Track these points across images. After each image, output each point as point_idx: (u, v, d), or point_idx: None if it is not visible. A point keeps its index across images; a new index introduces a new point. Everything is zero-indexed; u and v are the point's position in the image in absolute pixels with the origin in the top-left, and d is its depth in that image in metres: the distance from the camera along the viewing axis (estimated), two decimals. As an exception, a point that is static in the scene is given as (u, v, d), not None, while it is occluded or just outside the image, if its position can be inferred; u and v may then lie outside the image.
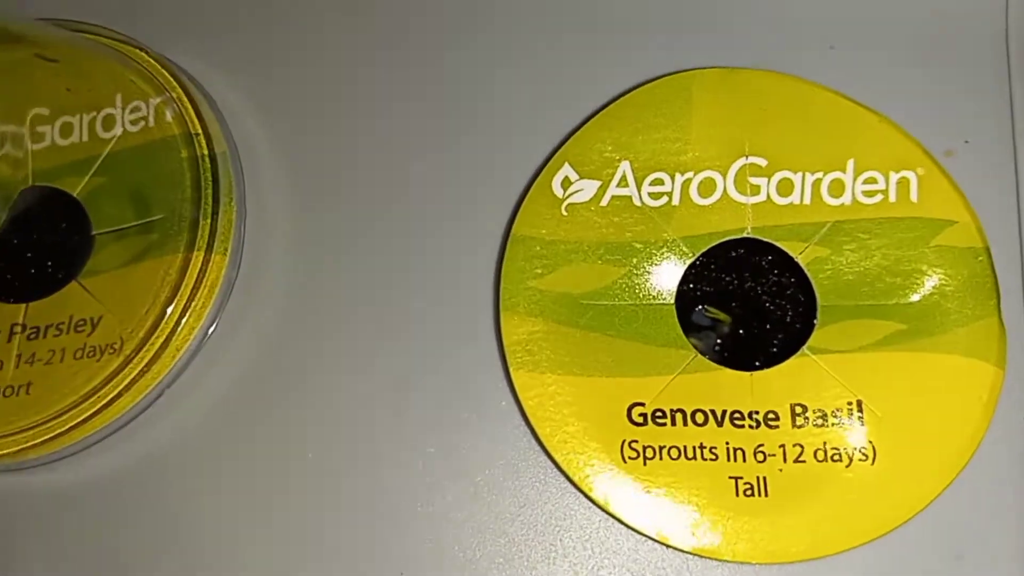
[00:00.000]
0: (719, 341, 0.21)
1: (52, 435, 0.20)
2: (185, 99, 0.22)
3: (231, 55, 0.23)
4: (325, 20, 0.23)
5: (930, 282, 0.20)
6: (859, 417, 0.19)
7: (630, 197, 0.21)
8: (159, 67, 0.22)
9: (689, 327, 0.21)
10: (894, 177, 0.20)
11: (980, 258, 0.20)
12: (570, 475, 0.19)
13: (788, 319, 0.20)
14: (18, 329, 0.21)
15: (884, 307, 0.20)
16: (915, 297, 0.20)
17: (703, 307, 0.21)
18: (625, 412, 0.19)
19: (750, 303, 0.21)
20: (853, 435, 0.19)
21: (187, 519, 0.20)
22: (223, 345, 0.21)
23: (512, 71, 0.22)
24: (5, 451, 0.20)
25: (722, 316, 0.21)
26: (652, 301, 0.20)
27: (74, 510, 0.20)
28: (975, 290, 0.20)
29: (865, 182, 0.20)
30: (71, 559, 0.20)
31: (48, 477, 0.21)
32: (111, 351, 0.20)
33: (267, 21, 0.23)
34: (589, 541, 0.19)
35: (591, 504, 0.19)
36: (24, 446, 0.20)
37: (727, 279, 0.21)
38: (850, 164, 0.20)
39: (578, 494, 0.19)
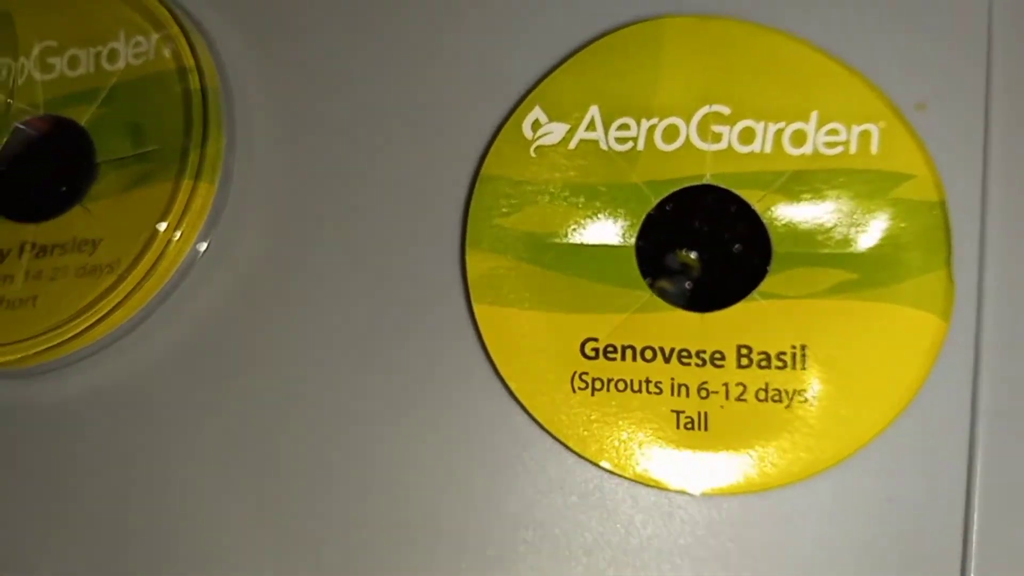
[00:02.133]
0: (688, 285, 0.22)
1: (54, 344, 0.21)
2: (181, 36, 0.23)
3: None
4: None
5: (884, 233, 0.20)
6: (802, 361, 0.20)
7: (597, 141, 0.21)
8: (157, 3, 0.23)
9: (660, 271, 0.21)
10: (856, 129, 0.21)
11: (935, 212, 0.20)
12: (523, 402, 0.20)
13: (747, 263, 0.21)
14: (28, 247, 0.23)
15: (837, 256, 0.20)
16: (868, 247, 0.20)
17: (674, 252, 0.22)
18: (579, 346, 0.20)
19: (712, 248, 0.22)
20: (795, 378, 0.20)
21: (175, 428, 0.22)
22: (210, 268, 0.22)
23: (487, 13, 0.23)
24: (11, 357, 0.22)
25: (691, 261, 0.22)
26: (613, 243, 0.21)
27: (74, 416, 0.22)
28: (927, 243, 0.20)
29: (828, 133, 0.21)
30: (69, 461, 0.22)
31: (50, 385, 0.22)
32: (108, 270, 0.22)
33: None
34: (538, 465, 0.20)
35: (541, 430, 0.20)
36: (27, 353, 0.21)
37: (690, 225, 0.22)
38: (814, 115, 0.21)
39: (530, 421, 0.20)
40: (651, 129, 0.21)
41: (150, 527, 0.21)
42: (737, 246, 0.21)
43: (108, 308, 0.22)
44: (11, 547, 0.22)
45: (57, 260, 0.22)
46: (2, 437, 0.22)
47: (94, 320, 0.22)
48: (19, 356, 0.21)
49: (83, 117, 0.23)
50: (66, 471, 0.22)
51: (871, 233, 0.20)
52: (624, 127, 0.21)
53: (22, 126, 0.24)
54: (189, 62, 0.22)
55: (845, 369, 0.20)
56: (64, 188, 0.23)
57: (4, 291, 0.22)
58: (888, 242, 0.20)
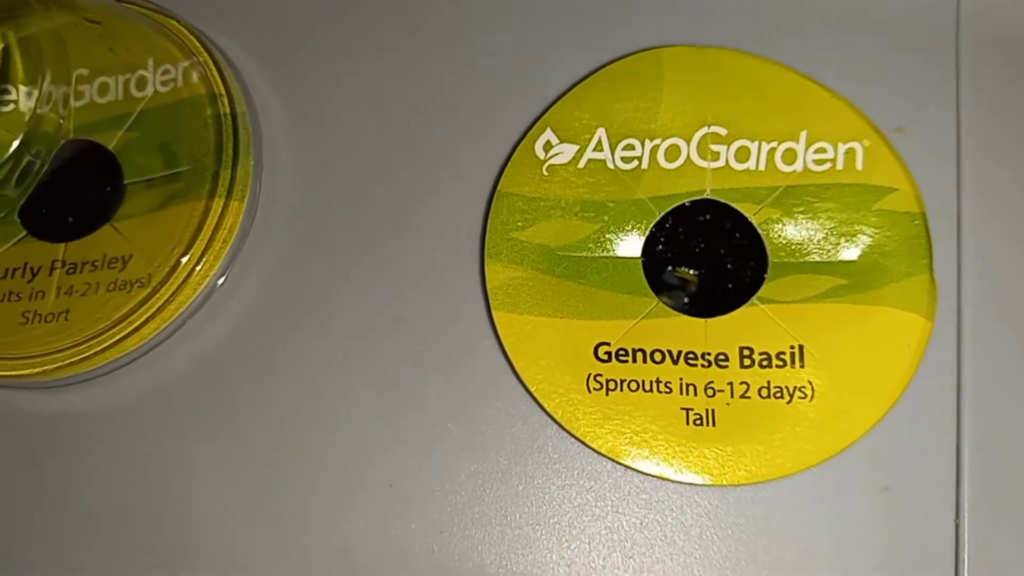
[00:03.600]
0: (687, 300, 0.23)
1: (86, 355, 0.22)
2: (211, 63, 0.24)
3: (251, 28, 0.25)
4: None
5: (870, 242, 0.22)
6: (800, 360, 0.21)
7: (604, 161, 0.23)
8: (189, 34, 0.24)
9: (660, 286, 0.23)
10: (842, 148, 0.22)
11: (916, 222, 0.22)
12: (542, 403, 0.21)
13: (743, 274, 0.23)
14: (58, 265, 0.24)
15: (828, 264, 0.22)
16: (856, 255, 0.22)
17: (672, 268, 0.23)
18: (592, 350, 0.22)
19: (711, 260, 0.23)
20: (794, 375, 0.21)
21: (201, 435, 0.23)
22: (239, 282, 0.23)
23: (503, 45, 0.24)
24: (44, 368, 0.22)
25: (689, 276, 0.24)
26: (621, 254, 0.23)
27: (104, 425, 0.23)
28: (911, 250, 0.22)
29: (816, 151, 0.22)
30: (99, 466, 0.23)
31: (82, 395, 0.23)
32: (139, 284, 0.23)
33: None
34: (556, 462, 0.22)
35: (560, 429, 0.22)
36: (61, 364, 0.22)
37: (691, 240, 0.23)
38: (803, 135, 0.23)
39: (548, 420, 0.22)
40: (654, 149, 0.23)
41: (170, 535, 0.22)
42: (729, 265, 0.23)
43: (140, 321, 0.22)
44: (34, 556, 0.23)
45: (88, 276, 0.23)
46: (31, 446, 0.23)
47: (126, 332, 0.22)
48: (53, 367, 0.22)
49: (111, 141, 0.24)
50: (91, 479, 0.23)
51: (859, 242, 0.22)
52: (629, 147, 0.23)
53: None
54: (219, 88, 0.24)
55: (840, 366, 0.21)
56: (91, 211, 0.24)
57: (36, 306, 0.23)
58: (874, 250, 0.22)
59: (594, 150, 0.23)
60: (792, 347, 0.21)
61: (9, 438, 0.23)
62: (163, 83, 0.24)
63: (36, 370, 0.22)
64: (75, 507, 0.22)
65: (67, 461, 0.23)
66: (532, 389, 0.22)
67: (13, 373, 0.23)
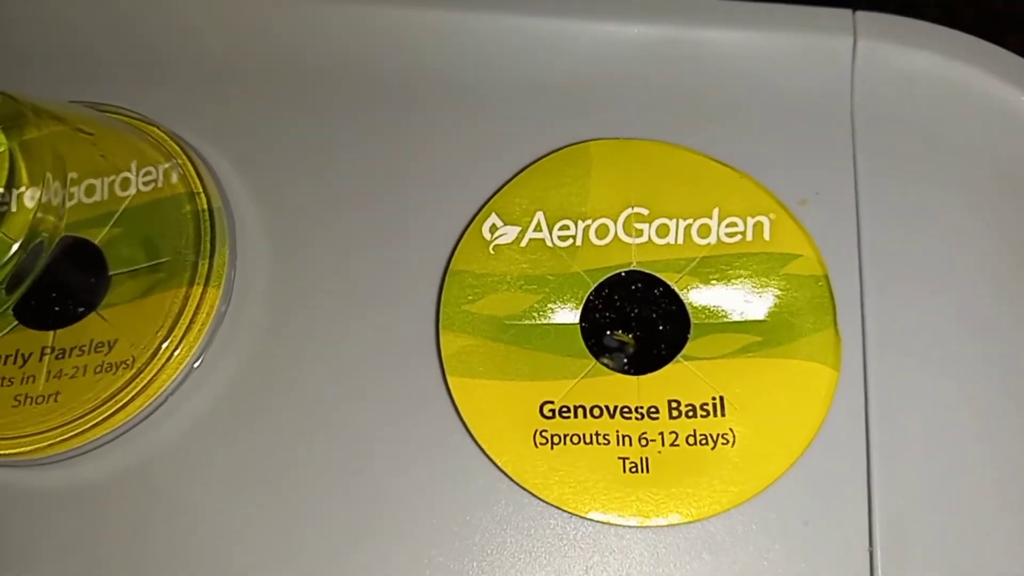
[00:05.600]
0: (626, 361, 0.26)
1: (75, 433, 0.24)
2: (189, 164, 0.27)
3: (224, 132, 0.28)
4: (294, 103, 0.28)
5: (779, 302, 0.25)
6: (721, 410, 0.24)
7: (543, 240, 0.26)
8: (168, 139, 0.27)
9: (602, 349, 0.26)
10: (751, 221, 0.26)
11: (820, 283, 0.25)
12: (493, 458, 0.24)
13: (672, 335, 0.25)
14: (48, 351, 0.26)
15: (742, 323, 0.25)
16: (768, 314, 0.25)
17: (611, 332, 0.26)
18: (538, 408, 0.24)
19: (644, 323, 0.26)
20: (717, 424, 0.24)
21: (184, 505, 0.25)
22: (215, 363, 0.26)
23: (452, 142, 0.27)
24: (36, 446, 0.24)
25: (627, 339, 0.26)
26: (561, 321, 0.25)
27: (91, 499, 0.25)
28: (816, 308, 0.25)
29: (728, 226, 0.26)
30: (87, 537, 0.24)
31: (70, 471, 0.25)
32: (125, 366, 0.25)
33: (251, 107, 0.28)
34: (508, 513, 0.24)
35: (511, 482, 0.24)
36: (53, 442, 0.24)
37: (626, 306, 0.26)
38: (715, 211, 0.26)
39: (499, 474, 0.24)
40: (587, 228, 0.26)
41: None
42: (661, 327, 0.26)
43: (126, 399, 0.25)
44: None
45: (76, 360, 0.25)
46: (24, 521, 0.25)
47: (112, 410, 0.25)
48: (44, 444, 0.24)
49: (97, 237, 0.27)
50: (79, 550, 0.24)
51: (769, 303, 0.25)
52: (565, 227, 0.26)
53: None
54: (196, 187, 0.26)
55: (758, 414, 0.24)
56: (80, 303, 0.26)
57: (27, 389, 0.25)
58: (784, 309, 0.25)
59: (534, 231, 0.26)
60: (714, 398, 0.24)
61: (2, 514, 0.25)
62: (145, 183, 0.27)
63: (27, 448, 0.24)
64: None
65: (58, 534, 0.24)
66: (484, 446, 0.24)
67: (6, 452, 0.25)
